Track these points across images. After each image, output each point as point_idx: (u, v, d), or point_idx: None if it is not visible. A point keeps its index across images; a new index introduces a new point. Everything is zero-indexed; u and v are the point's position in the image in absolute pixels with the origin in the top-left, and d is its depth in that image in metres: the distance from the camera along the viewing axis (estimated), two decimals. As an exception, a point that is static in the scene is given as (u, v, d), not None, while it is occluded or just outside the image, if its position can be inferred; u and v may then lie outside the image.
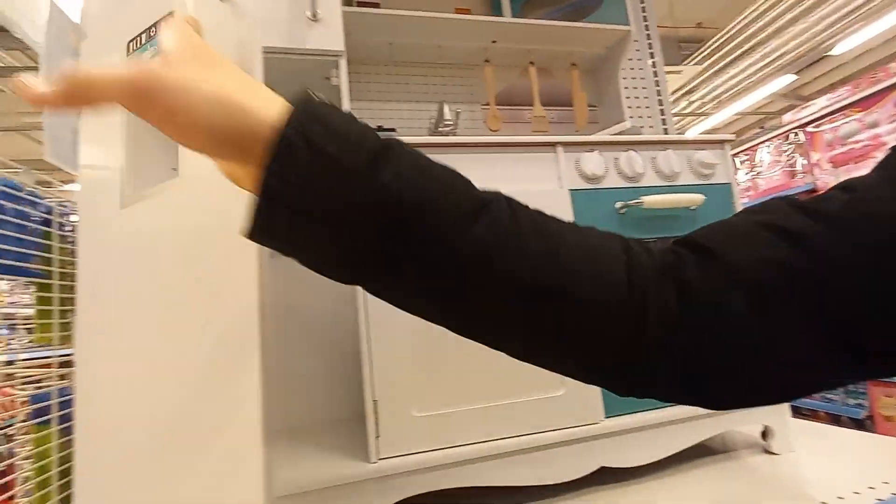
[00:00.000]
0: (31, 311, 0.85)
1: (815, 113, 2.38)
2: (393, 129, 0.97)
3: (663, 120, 1.11)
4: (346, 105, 0.65)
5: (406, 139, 0.63)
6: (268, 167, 0.22)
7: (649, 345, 0.25)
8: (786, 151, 2.86)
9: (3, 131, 4.47)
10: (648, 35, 1.12)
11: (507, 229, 0.26)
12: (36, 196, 0.79)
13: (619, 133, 0.79)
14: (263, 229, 0.24)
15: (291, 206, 0.23)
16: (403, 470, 0.57)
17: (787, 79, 4.19)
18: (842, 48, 3.54)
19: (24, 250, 0.73)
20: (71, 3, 1.03)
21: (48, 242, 0.80)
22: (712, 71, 4.37)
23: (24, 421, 0.79)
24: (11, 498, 0.74)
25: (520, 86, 1.08)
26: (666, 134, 1.06)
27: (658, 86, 1.13)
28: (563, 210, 0.69)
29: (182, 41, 0.26)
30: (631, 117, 1.03)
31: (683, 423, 0.70)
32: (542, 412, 0.62)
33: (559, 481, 0.61)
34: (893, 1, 2.95)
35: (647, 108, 1.12)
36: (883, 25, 3.11)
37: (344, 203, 0.23)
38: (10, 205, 0.72)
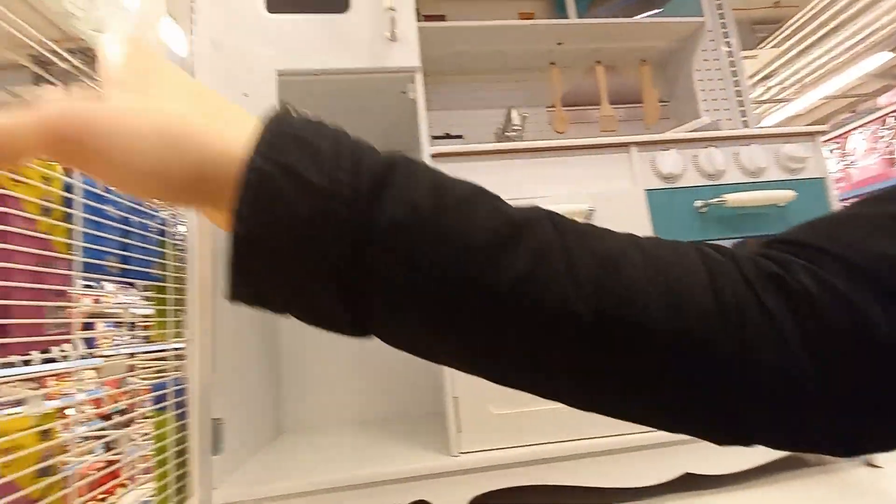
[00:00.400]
0: (139, 311, 0.98)
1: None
2: (460, 136, 1.00)
3: (742, 112, 1.04)
4: (421, 115, 0.68)
5: (477, 147, 0.66)
6: (237, 211, 0.16)
7: (760, 380, 0.19)
8: (883, 138, 2.58)
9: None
10: (724, 23, 1.06)
11: (553, 256, 0.19)
12: (153, 209, 0.91)
13: (697, 129, 0.76)
14: (243, 290, 0.18)
15: (272, 258, 0.17)
16: (483, 465, 0.59)
17: (882, 57, 3.74)
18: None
19: (147, 258, 0.84)
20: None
21: (163, 250, 0.91)
22: (793, 53, 4.01)
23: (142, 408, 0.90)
24: (115, 480, 0.84)
25: (585, 86, 1.07)
26: (746, 127, 1.00)
27: (735, 76, 1.07)
28: (638, 211, 0.68)
29: (126, 58, 0.20)
30: (706, 111, 0.99)
31: (775, 432, 0.66)
32: (622, 414, 0.62)
33: (641, 485, 0.61)
34: None
35: (725, 100, 1.06)
36: None
37: (337, 249, 0.17)
38: (135, 219, 0.83)
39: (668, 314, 0.19)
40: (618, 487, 0.60)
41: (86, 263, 0.69)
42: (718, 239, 0.71)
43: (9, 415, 0.59)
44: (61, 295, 0.65)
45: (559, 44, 0.99)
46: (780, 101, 4.68)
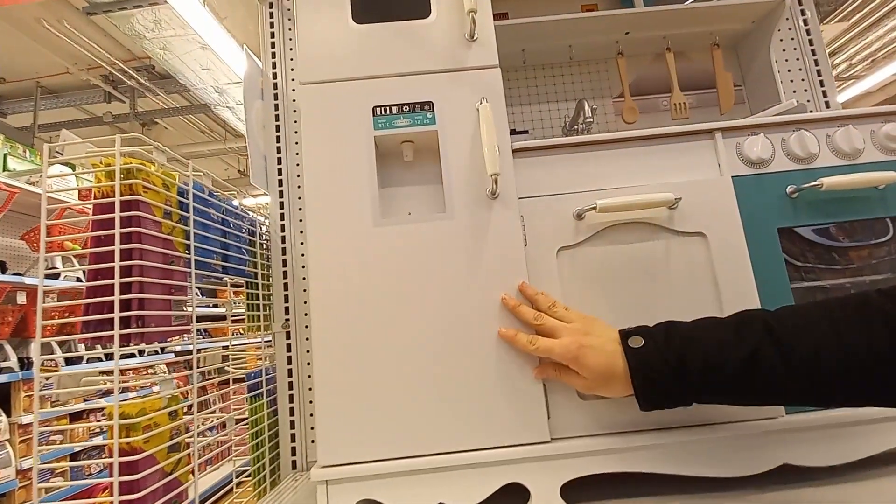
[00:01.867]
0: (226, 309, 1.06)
1: None
2: (526, 132, 1.02)
3: (824, 92, 0.99)
4: (500, 114, 0.70)
5: (555, 141, 0.67)
6: (635, 386, 0.53)
7: None
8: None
9: (169, 161, 5.47)
10: (803, 7, 1.02)
11: (780, 376, 0.47)
12: (244, 212, 0.98)
13: (784, 112, 0.73)
14: (644, 409, 0.55)
15: (652, 398, 0.53)
16: (573, 451, 0.61)
17: (975, 22, 3.41)
18: None
19: (244, 256, 0.92)
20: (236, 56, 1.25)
21: (254, 250, 0.98)
22: (862, 26, 3.72)
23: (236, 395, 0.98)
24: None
25: (652, 73, 1.05)
26: (828, 108, 0.96)
27: (815, 55, 1.02)
28: (726, 198, 0.67)
29: (579, 326, 0.59)
30: (786, 93, 0.95)
31: (878, 425, 0.64)
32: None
33: (738, 475, 0.60)
34: None
35: (803, 80, 1.01)
36: None
37: (672, 388, 0.52)
38: (234, 221, 0.90)
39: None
40: (714, 478, 0.60)
41: (197, 262, 0.76)
42: (811, 224, 0.69)
43: (146, 396, 0.66)
44: (182, 290, 0.72)
45: (626, 34, 0.98)
46: (848, 78, 4.35)
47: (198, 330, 0.75)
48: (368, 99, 0.70)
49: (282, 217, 1.03)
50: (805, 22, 1.03)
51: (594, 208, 0.64)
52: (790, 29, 1.04)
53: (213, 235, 0.82)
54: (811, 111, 0.92)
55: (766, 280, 0.66)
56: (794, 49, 1.04)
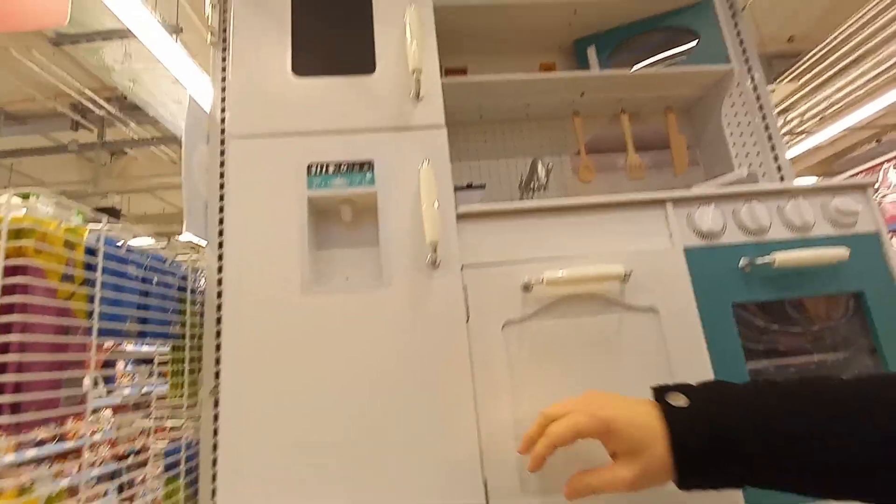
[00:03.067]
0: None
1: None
2: (483, 186, 0.99)
3: (775, 157, 1.01)
4: (445, 174, 0.67)
5: (503, 206, 0.63)
6: (678, 469, 0.41)
7: None
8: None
9: (136, 192, 5.30)
10: (749, 67, 1.05)
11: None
12: (175, 265, 0.90)
13: (734, 182, 0.72)
14: (686, 487, 0.42)
15: (694, 483, 0.42)
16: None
17: (907, 88, 3.69)
18: (978, 48, 3.07)
19: (168, 317, 0.83)
20: (202, 94, 1.21)
21: (183, 307, 0.90)
22: (811, 87, 3.99)
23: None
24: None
25: (609, 132, 1.05)
26: (781, 177, 0.96)
27: (766, 119, 1.04)
28: (678, 271, 0.64)
29: (587, 405, 0.46)
30: (737, 155, 0.95)
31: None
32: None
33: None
34: None
35: (755, 144, 1.03)
36: None
37: (716, 470, 0.41)
38: (157, 277, 0.82)
39: None
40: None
41: (104, 329, 0.68)
42: (766, 300, 0.66)
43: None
44: (79, 365, 0.63)
45: (582, 94, 0.98)
46: (800, 132, 4.63)
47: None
48: (304, 156, 0.65)
49: (219, 270, 0.95)
50: (755, 88, 1.06)
51: (542, 281, 0.60)
52: (741, 95, 1.06)
53: (129, 297, 0.73)
54: (764, 174, 0.92)
55: (721, 356, 0.62)
56: (745, 114, 1.06)
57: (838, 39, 3.49)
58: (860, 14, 3.22)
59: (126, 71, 3.28)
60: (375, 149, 0.66)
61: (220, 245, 0.97)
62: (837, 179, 0.70)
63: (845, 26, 3.38)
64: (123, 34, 2.99)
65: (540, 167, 0.82)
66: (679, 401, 0.42)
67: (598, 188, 1.02)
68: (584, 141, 0.97)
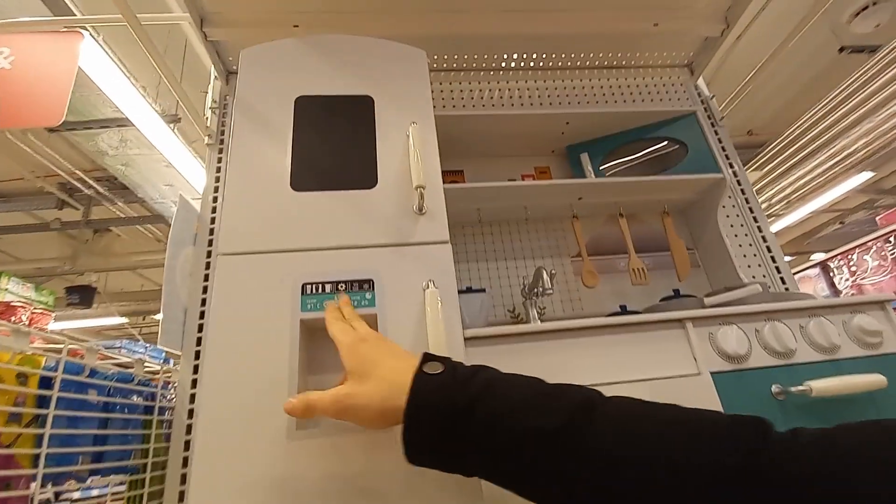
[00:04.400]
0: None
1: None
2: (483, 290, 0.95)
3: (773, 258, 1.01)
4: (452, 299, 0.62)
5: (522, 328, 0.58)
6: (404, 435, 0.38)
7: None
8: (891, 254, 2.62)
9: (119, 270, 5.17)
10: (735, 173, 1.09)
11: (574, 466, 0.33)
12: (144, 384, 0.81)
13: (750, 298, 0.70)
14: (412, 460, 0.39)
15: (421, 448, 0.38)
16: None
17: (864, 176, 3.98)
18: (921, 143, 3.36)
19: (128, 447, 0.72)
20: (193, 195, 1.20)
21: (147, 432, 0.79)
22: (775, 174, 4.26)
23: None
24: None
25: (608, 233, 1.05)
26: (783, 282, 0.95)
27: (758, 222, 1.05)
28: (709, 401, 0.58)
29: (352, 362, 0.47)
30: (735, 256, 0.95)
31: None
32: None
33: None
34: (972, 96, 2.82)
35: (751, 245, 1.03)
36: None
37: (450, 437, 0.37)
38: (121, 399, 0.73)
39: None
40: None
41: (49, 476, 0.57)
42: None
43: None
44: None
45: (579, 199, 0.99)
46: (770, 216, 4.87)
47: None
48: (298, 275, 0.60)
49: (193, 385, 0.85)
50: (742, 192, 1.09)
51: (561, 418, 0.53)
52: (730, 197, 1.09)
53: (86, 430, 0.63)
54: (769, 286, 0.90)
55: None
56: (738, 216, 1.08)
57: (794, 134, 3.81)
58: (811, 113, 3.54)
59: (120, 156, 3.34)
60: (376, 267, 0.62)
61: (197, 356, 0.89)
62: (854, 296, 0.68)
63: (799, 123, 3.70)
64: (121, 122, 3.07)
65: (545, 275, 0.79)
66: (436, 369, 0.41)
67: (603, 293, 0.99)
68: (584, 244, 0.96)
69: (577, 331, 0.61)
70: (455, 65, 1.13)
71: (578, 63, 1.17)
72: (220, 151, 1.08)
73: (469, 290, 0.95)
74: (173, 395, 0.91)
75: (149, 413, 0.81)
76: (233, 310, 0.58)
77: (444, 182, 0.93)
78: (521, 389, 0.38)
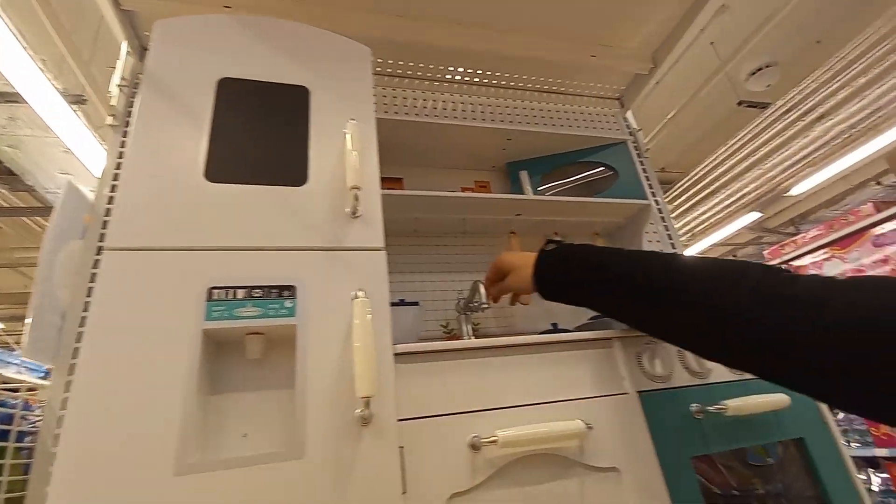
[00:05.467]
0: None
1: (796, 250, 2.49)
2: (416, 303, 0.91)
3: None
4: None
5: (453, 344, 0.55)
6: (535, 281, 0.66)
7: None
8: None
9: None
10: (657, 201, 1.16)
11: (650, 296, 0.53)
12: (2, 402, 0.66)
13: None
14: (546, 296, 0.65)
15: (548, 287, 0.65)
16: None
17: (753, 216, 4.53)
18: (798, 189, 3.91)
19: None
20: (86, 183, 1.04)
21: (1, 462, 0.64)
22: (683, 209, 4.72)
23: None
24: None
25: (542, 252, 1.06)
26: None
27: (674, 248, 1.13)
28: (636, 420, 0.59)
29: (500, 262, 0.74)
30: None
31: None
32: None
33: None
34: (838, 150, 3.35)
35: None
36: (830, 172, 3.50)
37: (569, 283, 0.62)
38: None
39: None
40: None
41: None
42: (720, 450, 0.62)
43: None
44: None
45: (518, 214, 0.99)
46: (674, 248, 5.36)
47: None
48: (205, 277, 0.52)
49: (63, 405, 0.71)
50: (663, 219, 1.17)
51: (494, 441, 0.50)
52: (652, 223, 1.16)
53: None
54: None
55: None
56: (658, 241, 1.14)
57: (700, 174, 4.26)
58: (714, 156, 3.99)
59: (7, 136, 2.88)
60: (300, 272, 0.55)
61: (71, 370, 0.74)
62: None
63: (703, 165, 4.15)
64: (10, 97, 2.66)
65: (482, 289, 0.77)
66: (550, 247, 0.67)
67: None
68: (519, 260, 0.96)
69: (510, 348, 0.59)
70: (400, 71, 1.10)
71: (521, 84, 1.20)
72: (126, 135, 0.94)
73: (402, 302, 0.90)
74: (39, 418, 0.76)
75: (3, 439, 0.66)
76: (117, 316, 0.49)
77: (381, 187, 0.88)
78: (616, 253, 0.59)
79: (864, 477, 2.34)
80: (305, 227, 0.58)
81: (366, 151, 0.66)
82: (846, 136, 3.35)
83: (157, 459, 0.43)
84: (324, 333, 0.53)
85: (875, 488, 2.25)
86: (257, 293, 0.53)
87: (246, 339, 0.54)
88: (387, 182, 1.03)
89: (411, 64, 1.08)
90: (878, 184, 4.24)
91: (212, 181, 0.58)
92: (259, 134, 0.64)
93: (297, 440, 0.48)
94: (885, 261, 1.88)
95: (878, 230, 1.90)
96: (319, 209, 0.60)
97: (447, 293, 0.96)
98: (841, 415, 1.95)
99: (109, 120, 1.00)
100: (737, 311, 0.44)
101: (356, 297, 0.53)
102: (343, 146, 0.63)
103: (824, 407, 0.67)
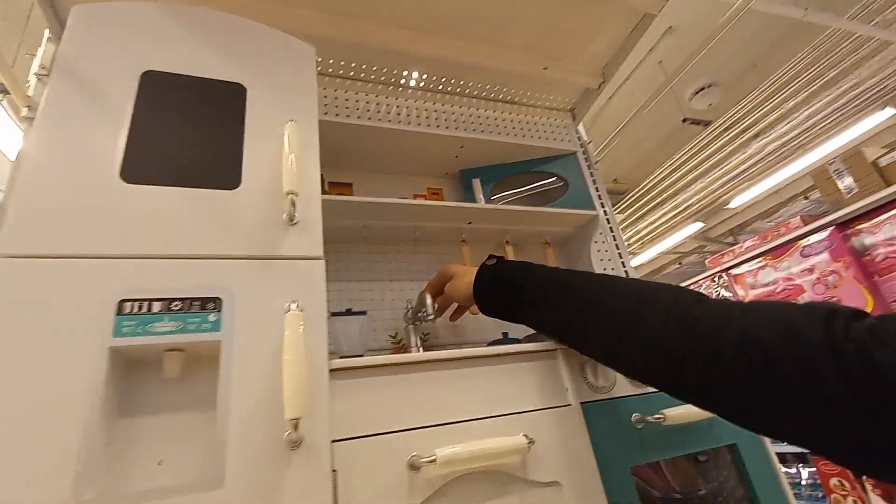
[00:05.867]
0: None
1: (734, 259, 2.65)
2: (364, 312, 0.87)
3: (634, 291, 1.11)
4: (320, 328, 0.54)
5: (392, 359, 0.53)
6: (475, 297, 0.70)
7: None
8: (716, 292, 3.15)
9: None
10: (606, 212, 1.19)
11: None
12: None
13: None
14: (484, 311, 0.70)
15: (486, 302, 0.69)
16: None
17: (697, 225, 4.80)
18: (736, 202, 4.19)
19: None
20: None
21: None
22: (634, 218, 4.93)
23: None
24: None
25: (494, 261, 1.06)
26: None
27: (622, 258, 1.16)
28: (578, 433, 0.58)
29: (444, 269, 0.80)
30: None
31: None
32: None
33: None
34: (771, 167, 3.62)
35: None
36: (764, 186, 3.77)
37: (502, 299, 0.66)
38: None
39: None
40: None
41: None
42: (659, 459, 0.63)
43: None
44: None
45: (469, 223, 0.98)
46: (630, 253, 5.60)
47: None
48: (115, 288, 0.47)
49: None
50: (611, 230, 1.20)
51: (433, 460, 0.48)
52: (601, 233, 1.18)
53: None
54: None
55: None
56: (606, 251, 1.17)
57: (648, 186, 4.47)
58: (661, 170, 4.20)
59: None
60: (227, 282, 0.51)
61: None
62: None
63: (652, 177, 4.36)
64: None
65: (428, 300, 0.75)
66: (491, 261, 0.71)
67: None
68: (471, 268, 0.95)
69: (453, 361, 0.58)
70: (352, 73, 1.06)
71: (475, 93, 1.20)
72: (31, 119, 0.85)
73: (349, 311, 0.86)
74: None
75: None
76: (5, 334, 0.43)
77: (330, 194, 0.85)
78: (547, 269, 0.63)
79: (794, 471, 2.51)
80: (236, 233, 0.54)
81: (306, 155, 0.62)
82: (778, 153, 3.62)
83: (49, 496, 0.38)
84: (252, 349, 0.49)
85: (803, 482, 2.42)
86: (176, 306, 0.48)
87: (164, 357, 0.49)
88: (336, 187, 1.00)
89: (364, 66, 1.05)
90: (806, 198, 4.61)
91: (128, 182, 0.53)
92: (187, 133, 0.59)
93: (216, 468, 0.43)
94: (811, 270, 2.02)
95: (805, 241, 2.05)
96: (253, 215, 0.56)
97: (398, 302, 0.94)
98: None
99: (25, 111, 0.90)
100: (649, 332, 0.45)
101: (289, 309, 0.50)
102: (280, 149, 0.60)
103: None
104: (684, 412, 0.61)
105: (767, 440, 0.69)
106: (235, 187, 0.57)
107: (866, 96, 2.93)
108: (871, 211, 1.77)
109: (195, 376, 0.51)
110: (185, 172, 0.56)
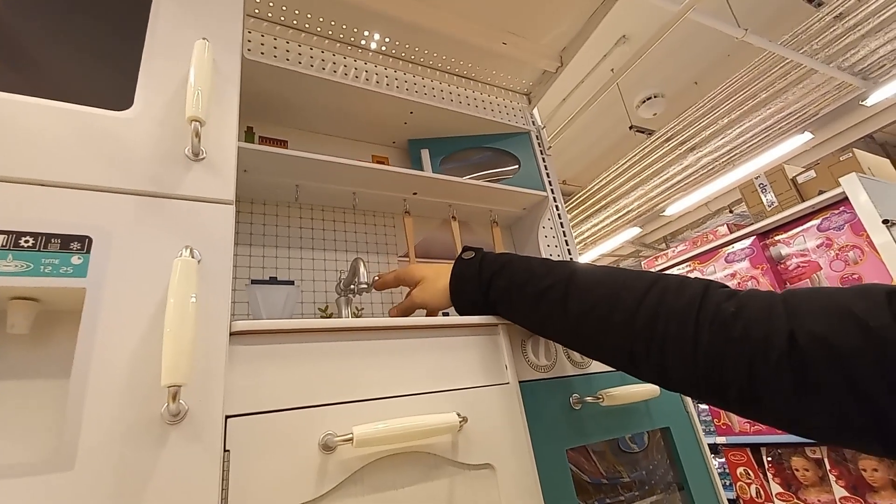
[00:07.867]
0: None
1: (667, 261, 2.79)
2: (292, 282, 0.78)
3: (577, 279, 1.10)
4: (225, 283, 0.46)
5: (307, 323, 0.45)
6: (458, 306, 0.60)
7: None
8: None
9: None
10: (555, 197, 1.17)
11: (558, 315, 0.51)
12: None
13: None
14: (457, 310, 0.61)
15: (461, 301, 0.60)
16: None
17: (634, 230, 5.05)
18: (671, 210, 4.44)
19: None
20: None
21: None
22: (580, 219, 5.10)
23: None
24: None
25: (440, 237, 1.00)
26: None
27: (568, 244, 1.15)
28: (514, 412, 0.54)
29: (406, 272, 0.67)
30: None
31: None
32: None
33: None
34: (704, 179, 3.86)
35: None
36: (697, 197, 4.02)
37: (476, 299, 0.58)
38: None
39: None
40: None
41: None
42: (596, 441, 0.61)
43: None
44: None
45: (414, 193, 0.92)
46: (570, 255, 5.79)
47: None
48: (-63, 213, 0.36)
49: None
50: (559, 215, 1.18)
51: (350, 440, 0.42)
52: (549, 219, 1.17)
53: None
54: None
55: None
56: (554, 237, 1.16)
57: (594, 189, 4.63)
58: (607, 174, 4.36)
59: None
60: (103, 219, 0.41)
61: None
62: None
63: (598, 180, 4.51)
64: None
65: (362, 268, 0.68)
66: (469, 255, 0.62)
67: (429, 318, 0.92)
68: (413, 243, 0.88)
69: (382, 331, 0.51)
70: (296, 22, 0.96)
71: (431, 63, 1.13)
72: None
73: (274, 280, 0.77)
74: None
75: None
76: None
77: (261, 145, 0.75)
78: (529, 263, 0.55)
79: (706, 461, 2.70)
80: (119, 162, 0.44)
81: (221, 82, 0.53)
82: (710, 167, 3.87)
83: None
84: (127, 303, 0.39)
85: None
86: (27, 241, 0.38)
87: (8, 307, 0.39)
88: (269, 143, 0.89)
89: (309, 16, 0.95)
90: (731, 211, 4.98)
91: (-26, 83, 0.41)
92: (68, 38, 0.47)
93: (67, 445, 0.34)
94: (733, 275, 2.16)
95: (730, 249, 2.18)
96: (145, 143, 0.46)
97: (329, 273, 0.85)
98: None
99: None
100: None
101: (181, 255, 0.41)
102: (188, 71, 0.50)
103: (688, 399, 0.70)
104: (623, 393, 0.59)
105: (699, 425, 0.69)
106: (126, 108, 0.47)
107: (790, 119, 3.19)
108: (788, 223, 1.92)
109: (53, 335, 0.41)
110: (56, 82, 0.45)
